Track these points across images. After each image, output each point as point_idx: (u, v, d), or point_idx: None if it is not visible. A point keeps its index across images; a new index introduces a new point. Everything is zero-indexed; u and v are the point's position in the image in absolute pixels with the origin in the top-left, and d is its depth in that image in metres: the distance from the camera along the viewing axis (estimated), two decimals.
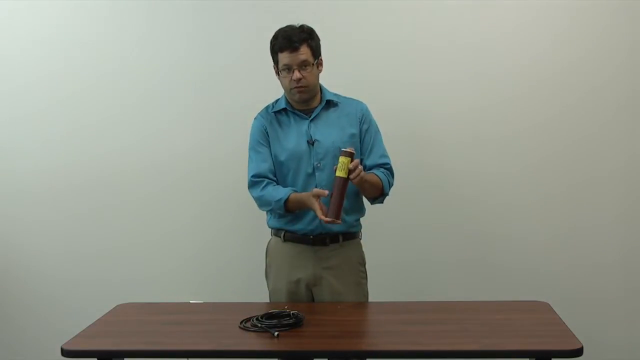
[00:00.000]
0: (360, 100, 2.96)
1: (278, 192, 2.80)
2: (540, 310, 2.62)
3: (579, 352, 2.21)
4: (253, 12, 3.49)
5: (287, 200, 2.76)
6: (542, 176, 3.49)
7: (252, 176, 2.87)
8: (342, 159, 2.62)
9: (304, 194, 2.76)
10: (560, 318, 2.51)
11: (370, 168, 2.88)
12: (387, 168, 2.91)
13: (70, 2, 3.56)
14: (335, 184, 2.63)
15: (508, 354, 2.27)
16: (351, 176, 2.64)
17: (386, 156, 2.93)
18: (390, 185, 2.91)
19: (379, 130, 2.94)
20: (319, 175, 2.82)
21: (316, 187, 2.80)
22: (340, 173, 2.62)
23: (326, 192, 2.66)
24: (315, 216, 2.78)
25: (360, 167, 2.66)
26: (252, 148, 2.90)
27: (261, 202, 2.86)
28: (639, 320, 3.52)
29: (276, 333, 2.39)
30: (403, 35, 3.47)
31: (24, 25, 3.58)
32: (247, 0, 3.50)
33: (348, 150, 2.63)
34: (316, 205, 2.67)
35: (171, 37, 3.54)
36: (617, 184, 3.48)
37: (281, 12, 3.29)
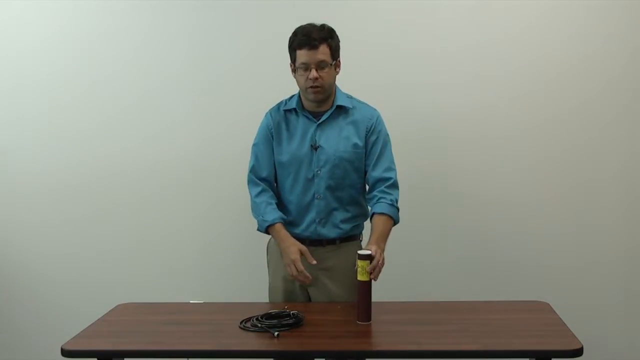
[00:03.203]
0: (374, 107, 2.89)
1: (269, 213, 2.80)
2: (540, 310, 2.62)
3: (579, 352, 2.21)
4: (258, 14, 3.48)
5: (271, 227, 2.78)
6: (542, 177, 3.49)
7: (251, 172, 2.88)
8: (361, 263, 2.49)
9: (289, 240, 2.75)
10: (560, 318, 2.52)
11: (374, 183, 2.82)
12: (391, 184, 2.82)
13: (72, 3, 3.56)
14: (359, 289, 2.50)
15: (508, 354, 2.27)
16: (372, 276, 2.54)
17: (392, 169, 2.85)
18: (397, 206, 2.81)
19: (388, 141, 2.87)
20: (318, 182, 2.80)
21: (314, 194, 2.80)
22: (361, 277, 2.50)
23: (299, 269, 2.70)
24: (311, 223, 2.82)
25: (379, 265, 2.57)
26: (256, 145, 2.89)
27: (252, 208, 2.88)
28: (638, 321, 3.53)
29: (276, 333, 2.39)
30: (408, 37, 3.47)
31: (26, 27, 3.58)
32: (252, 1, 3.50)
33: (365, 253, 2.52)
34: (288, 261, 2.71)
35: (174, 38, 3.54)
36: (619, 185, 3.48)
37: (285, 13, 3.30)
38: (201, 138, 3.57)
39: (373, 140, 2.83)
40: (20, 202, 3.65)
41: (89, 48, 3.57)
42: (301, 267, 2.70)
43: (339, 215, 2.83)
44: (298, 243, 2.75)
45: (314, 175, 2.80)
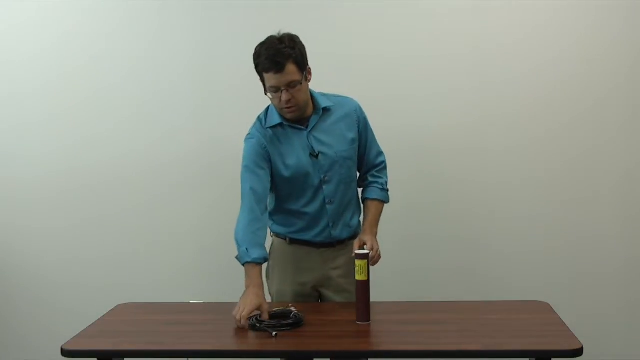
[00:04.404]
0: (348, 96, 2.86)
1: (255, 249, 2.61)
2: (540, 310, 2.62)
3: (579, 352, 2.20)
4: (262, 17, 3.47)
5: (249, 263, 2.61)
6: (543, 178, 3.50)
7: (251, 191, 2.70)
8: (359, 262, 2.48)
9: (256, 286, 2.57)
10: (560, 318, 2.51)
11: (367, 171, 2.88)
12: (381, 168, 2.90)
13: (74, 6, 3.57)
14: (358, 288, 2.50)
15: (508, 354, 2.27)
16: (372, 262, 2.59)
17: (381, 152, 2.91)
18: (387, 187, 2.89)
19: (370, 125, 2.87)
20: (327, 187, 2.76)
21: (324, 199, 2.76)
22: (360, 277, 2.49)
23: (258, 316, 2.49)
24: (324, 229, 2.79)
25: (377, 255, 2.64)
26: (247, 167, 2.73)
27: (238, 231, 2.66)
28: (638, 321, 3.52)
29: (274, 333, 2.38)
30: (406, 44, 3.48)
31: (28, 33, 3.59)
32: (257, 5, 3.50)
33: (362, 252, 2.51)
34: (243, 304, 2.50)
35: (177, 39, 3.56)
36: (618, 186, 3.49)
37: (290, 17, 3.30)
38: (201, 140, 3.58)
39: (362, 131, 2.85)
40: (22, 206, 3.67)
41: (92, 53, 3.59)
42: (245, 317, 2.48)
43: (348, 214, 2.83)
44: (261, 296, 2.58)
45: (320, 182, 2.76)
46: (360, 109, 2.86)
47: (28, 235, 3.68)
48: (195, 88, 3.57)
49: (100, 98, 3.59)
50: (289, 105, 2.66)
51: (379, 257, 2.68)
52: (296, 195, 2.79)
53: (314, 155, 2.75)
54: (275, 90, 2.63)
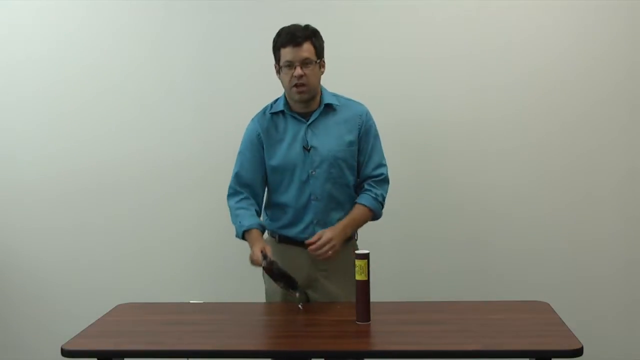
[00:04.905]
0: (360, 102, 2.88)
1: (247, 219, 2.74)
2: (540, 310, 2.62)
3: (579, 352, 2.20)
4: (264, 20, 3.47)
5: (247, 232, 2.72)
6: (544, 179, 3.50)
7: (235, 178, 2.83)
8: (359, 262, 2.47)
9: (258, 240, 2.70)
10: (560, 318, 2.51)
11: (365, 179, 2.85)
12: (381, 179, 2.85)
13: (76, 7, 3.58)
14: (358, 288, 2.48)
15: (508, 354, 2.27)
16: (316, 253, 2.66)
17: (383, 165, 2.87)
18: (383, 201, 2.85)
19: (378, 135, 2.87)
20: (314, 182, 2.77)
21: (310, 195, 2.77)
22: (360, 277, 2.49)
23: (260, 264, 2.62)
24: (310, 224, 2.79)
25: (318, 246, 2.67)
26: (241, 152, 2.85)
27: (231, 216, 2.81)
28: (638, 321, 3.52)
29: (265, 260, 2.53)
30: (407, 46, 3.49)
31: (33, 32, 3.61)
32: (258, 7, 3.51)
33: (363, 253, 2.50)
34: (254, 249, 2.66)
35: (181, 40, 3.57)
36: (619, 186, 3.49)
37: (291, 19, 3.31)
38: (204, 141, 3.59)
39: (365, 138, 2.83)
40: (24, 207, 3.68)
41: (95, 55, 3.59)
42: (258, 259, 2.62)
43: (336, 215, 2.82)
44: (262, 242, 2.70)
45: (308, 176, 2.77)
46: (368, 115, 2.85)
47: (29, 236, 3.68)
48: (198, 89, 3.58)
49: (102, 100, 3.60)
50: (300, 83, 2.69)
51: (325, 252, 2.66)
52: (284, 187, 2.81)
53: (306, 148, 2.76)
54: (289, 65, 2.69)
